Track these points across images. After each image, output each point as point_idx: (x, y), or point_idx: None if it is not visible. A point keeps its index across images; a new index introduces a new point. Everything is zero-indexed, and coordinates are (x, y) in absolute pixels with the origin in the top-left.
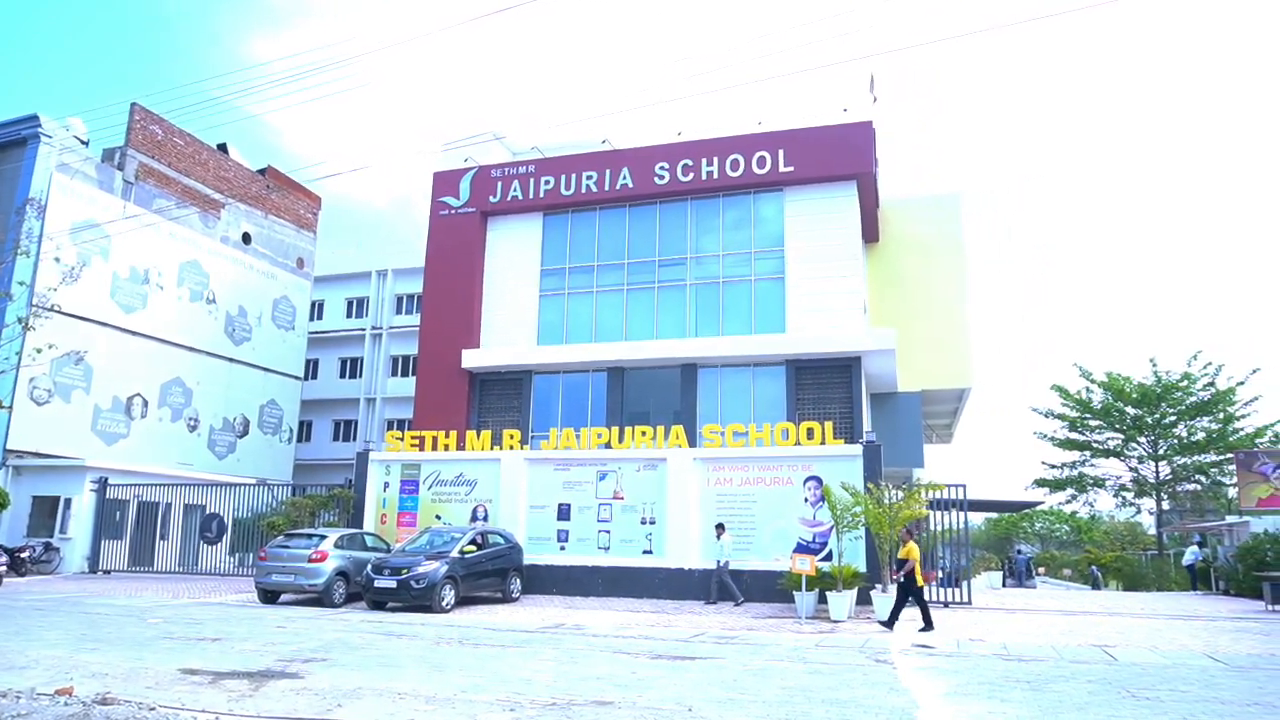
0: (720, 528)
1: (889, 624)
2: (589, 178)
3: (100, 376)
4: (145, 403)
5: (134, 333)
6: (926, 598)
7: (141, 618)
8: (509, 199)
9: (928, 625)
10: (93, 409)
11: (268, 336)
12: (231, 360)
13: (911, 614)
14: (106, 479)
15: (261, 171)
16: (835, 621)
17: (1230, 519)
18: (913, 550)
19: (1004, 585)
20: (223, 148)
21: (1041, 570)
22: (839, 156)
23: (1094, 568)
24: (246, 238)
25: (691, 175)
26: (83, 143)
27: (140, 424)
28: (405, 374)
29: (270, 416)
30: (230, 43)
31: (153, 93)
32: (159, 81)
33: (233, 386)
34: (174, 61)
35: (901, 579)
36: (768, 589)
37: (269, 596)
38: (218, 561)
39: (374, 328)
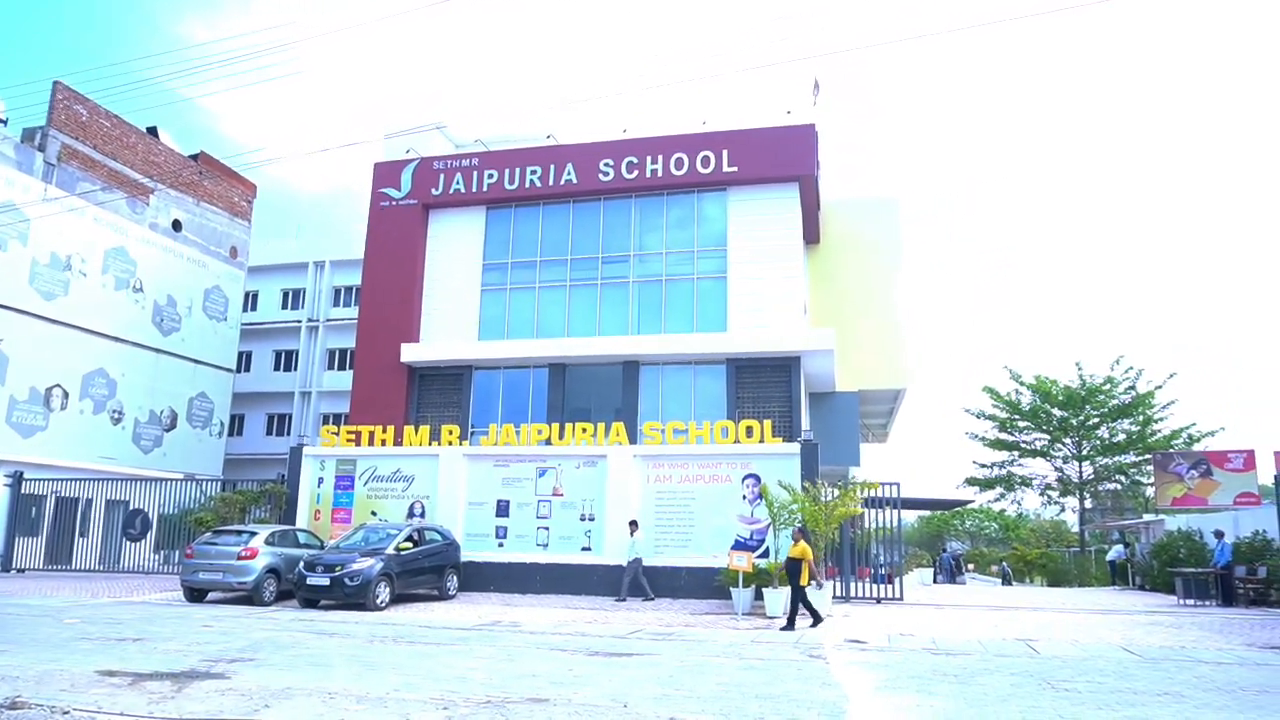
0: (634, 524)
1: (815, 622)
2: (533, 172)
3: (16, 366)
4: (65, 394)
5: (54, 321)
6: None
7: (57, 618)
8: (451, 192)
9: (789, 625)
10: (8, 400)
11: (198, 327)
12: (159, 351)
13: (853, 608)
14: (21, 473)
15: (194, 157)
16: (771, 618)
17: (1147, 517)
18: (806, 550)
19: (935, 581)
20: (153, 131)
21: (971, 567)
22: (782, 158)
23: (1004, 565)
24: (177, 225)
25: (636, 173)
26: (0, 121)
27: (60, 416)
28: (342, 367)
29: (200, 409)
30: (164, 23)
31: (78, 71)
32: (86, 60)
33: (160, 378)
34: (103, 40)
35: (792, 582)
36: (705, 585)
37: (196, 595)
38: (142, 559)
39: (310, 320)
